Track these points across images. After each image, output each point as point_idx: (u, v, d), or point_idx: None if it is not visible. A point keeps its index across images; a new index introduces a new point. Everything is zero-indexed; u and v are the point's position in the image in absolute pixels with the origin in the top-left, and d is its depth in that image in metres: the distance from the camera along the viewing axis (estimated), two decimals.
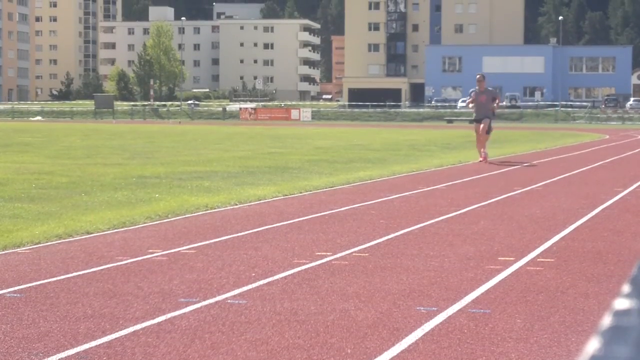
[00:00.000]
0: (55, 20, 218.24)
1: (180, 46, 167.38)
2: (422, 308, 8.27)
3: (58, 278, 9.58)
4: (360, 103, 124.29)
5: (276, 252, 11.26)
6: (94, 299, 8.59)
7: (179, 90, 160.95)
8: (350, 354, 6.76)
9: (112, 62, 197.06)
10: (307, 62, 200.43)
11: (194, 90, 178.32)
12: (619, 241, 12.46)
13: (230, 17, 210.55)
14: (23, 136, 49.51)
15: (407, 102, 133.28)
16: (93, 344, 7.05)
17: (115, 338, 7.22)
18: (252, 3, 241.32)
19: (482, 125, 29.00)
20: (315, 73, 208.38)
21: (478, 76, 29.90)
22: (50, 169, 24.24)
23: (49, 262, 10.48)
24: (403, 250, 11.49)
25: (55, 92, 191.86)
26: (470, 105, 30.20)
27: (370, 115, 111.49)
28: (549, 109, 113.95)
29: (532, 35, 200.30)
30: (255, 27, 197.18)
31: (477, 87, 29.98)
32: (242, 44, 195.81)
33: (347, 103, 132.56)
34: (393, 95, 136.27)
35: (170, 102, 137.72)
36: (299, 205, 16.60)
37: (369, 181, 21.96)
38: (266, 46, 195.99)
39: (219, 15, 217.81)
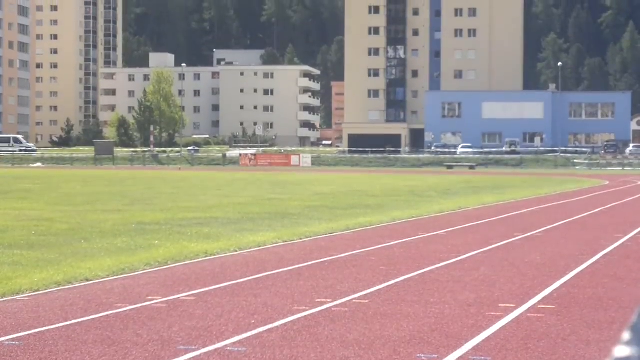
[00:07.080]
0: (55, 67, 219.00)
1: (180, 92, 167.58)
2: (422, 355, 8.23)
3: (57, 325, 9.55)
4: (360, 149, 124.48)
5: (276, 299, 11.22)
6: (92, 347, 8.55)
7: (179, 136, 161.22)
8: None
9: (113, 108, 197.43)
10: (307, 108, 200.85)
11: (194, 136, 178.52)
12: (619, 287, 12.42)
13: (231, 63, 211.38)
14: (23, 183, 49.50)
15: (407, 148, 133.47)
16: None
17: None
18: (253, 49, 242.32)
19: None
20: (315, 119, 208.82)
21: None
22: (50, 216, 24.21)
23: (48, 310, 10.44)
24: (403, 297, 11.45)
25: (55, 139, 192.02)
26: None
27: (370, 161, 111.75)
28: (549, 154, 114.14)
29: (532, 81, 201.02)
30: (256, 73, 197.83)
31: None
32: (242, 90, 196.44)
33: (347, 149, 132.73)
34: (393, 140, 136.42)
35: (170, 148, 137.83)
36: (299, 252, 16.57)
37: (369, 227, 21.94)
38: (266, 92, 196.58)
39: (219, 61, 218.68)
